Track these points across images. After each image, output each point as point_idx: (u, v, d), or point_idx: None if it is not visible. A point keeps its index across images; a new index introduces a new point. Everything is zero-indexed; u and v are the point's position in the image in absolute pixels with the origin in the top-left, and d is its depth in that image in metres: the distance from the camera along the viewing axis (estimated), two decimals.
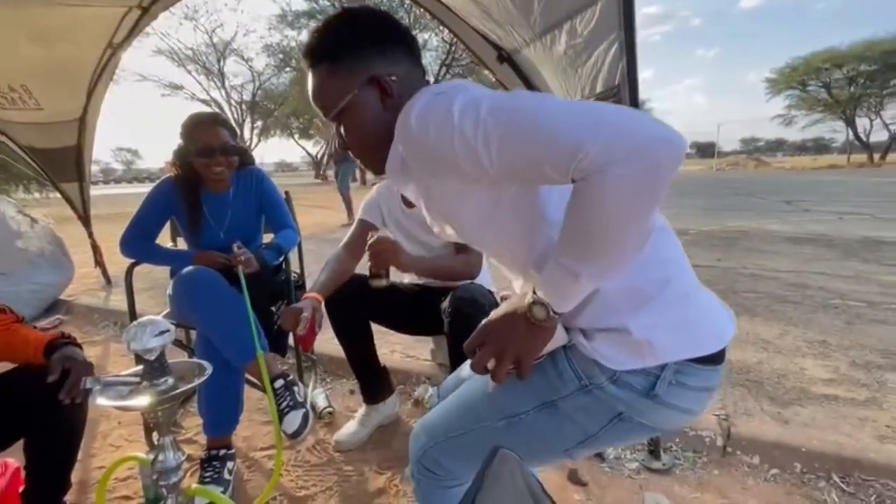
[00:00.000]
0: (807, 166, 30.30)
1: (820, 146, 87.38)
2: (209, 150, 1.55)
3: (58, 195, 3.79)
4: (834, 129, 36.50)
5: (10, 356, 1.08)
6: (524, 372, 0.63)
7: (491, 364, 0.64)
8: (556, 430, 0.71)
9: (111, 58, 2.80)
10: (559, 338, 0.67)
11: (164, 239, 1.74)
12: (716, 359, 0.67)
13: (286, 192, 1.97)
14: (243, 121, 25.00)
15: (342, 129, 0.74)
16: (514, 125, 0.54)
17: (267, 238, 1.85)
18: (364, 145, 0.75)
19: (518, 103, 0.55)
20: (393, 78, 0.70)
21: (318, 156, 32.05)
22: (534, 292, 0.62)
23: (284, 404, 1.28)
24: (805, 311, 2.69)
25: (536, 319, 0.61)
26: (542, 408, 0.70)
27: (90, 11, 2.41)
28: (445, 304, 1.35)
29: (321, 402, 1.82)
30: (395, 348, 2.24)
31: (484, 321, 0.66)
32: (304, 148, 32.45)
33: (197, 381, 0.83)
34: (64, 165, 3.44)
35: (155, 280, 3.64)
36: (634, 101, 1.08)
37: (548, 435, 0.71)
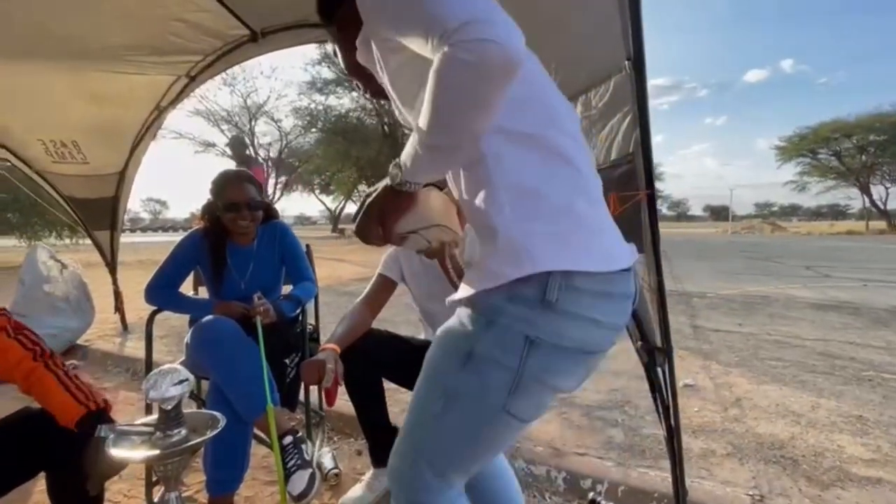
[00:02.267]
0: (824, 231, 30.02)
1: (836, 212, 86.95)
2: (236, 206, 1.63)
3: (88, 241, 3.96)
4: (849, 196, 36.60)
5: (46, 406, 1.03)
6: (387, 235, 0.72)
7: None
8: (485, 384, 0.66)
9: (156, 118, 3.03)
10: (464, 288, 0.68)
11: (186, 288, 1.78)
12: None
13: (307, 246, 2.02)
14: (268, 176, 26.23)
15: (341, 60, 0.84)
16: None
17: (285, 290, 1.88)
18: (356, 67, 0.79)
19: None
20: None
21: (337, 211, 33.11)
22: (391, 172, 0.67)
23: (291, 463, 1.23)
24: (837, 383, 2.55)
25: (392, 181, 0.66)
26: (464, 365, 0.67)
27: (143, 79, 2.65)
28: None
29: (328, 463, 1.75)
30: (406, 408, 2.17)
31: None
32: (323, 203, 33.63)
33: (210, 434, 0.82)
34: (100, 215, 3.62)
35: (171, 328, 3.67)
36: (649, 170, 1.13)
37: (481, 394, 0.67)
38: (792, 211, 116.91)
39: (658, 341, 1.46)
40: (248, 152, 5.74)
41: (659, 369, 1.49)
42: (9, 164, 3.26)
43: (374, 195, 0.71)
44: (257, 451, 1.66)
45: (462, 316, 0.70)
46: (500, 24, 0.52)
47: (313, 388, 1.62)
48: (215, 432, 0.83)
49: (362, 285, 1.65)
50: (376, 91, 0.81)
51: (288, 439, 1.27)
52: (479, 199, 0.67)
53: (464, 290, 0.69)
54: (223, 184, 1.67)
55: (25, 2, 1.87)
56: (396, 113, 0.78)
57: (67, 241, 12.97)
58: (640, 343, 1.52)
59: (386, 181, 0.69)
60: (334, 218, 34.03)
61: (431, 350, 0.75)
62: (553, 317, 0.63)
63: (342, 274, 7.48)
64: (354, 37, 0.73)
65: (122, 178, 3.46)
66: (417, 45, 0.59)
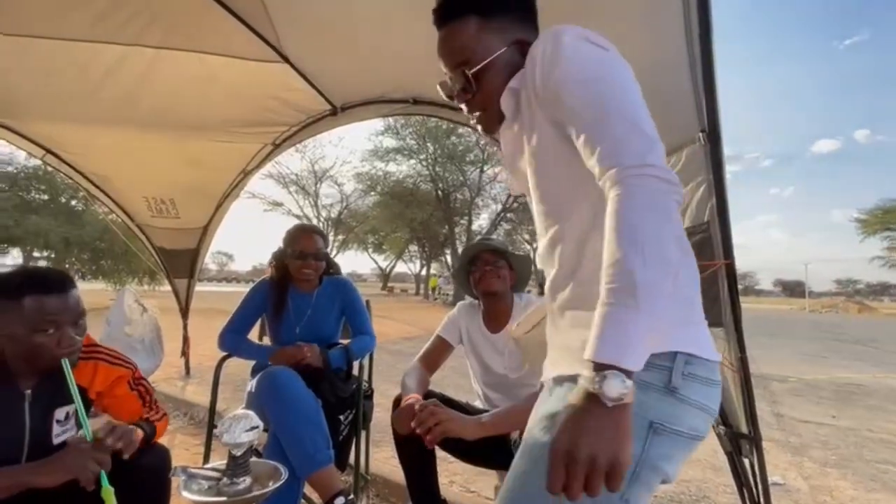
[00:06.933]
0: None
1: None
2: (304, 254, 1.77)
3: (165, 288, 4.31)
4: None
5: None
6: (618, 481, 0.51)
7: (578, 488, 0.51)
8: None
9: (241, 181, 3.39)
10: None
11: (252, 337, 1.87)
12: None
13: (367, 301, 2.08)
14: (328, 234, 27.78)
15: (475, 83, 0.77)
16: (607, 110, 0.62)
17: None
18: (494, 101, 0.77)
19: (619, 99, 0.63)
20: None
21: (387, 269, 34.10)
22: (594, 369, 0.52)
23: None
24: None
25: (611, 397, 0.51)
26: None
27: (234, 146, 3.01)
28: (516, 435, 1.26)
29: None
30: (455, 479, 2.05)
31: (552, 443, 0.54)
32: (375, 261, 34.82)
33: (273, 486, 0.82)
34: (182, 264, 3.98)
35: (227, 375, 3.77)
36: (727, 239, 1.09)
37: None
38: (882, 290, 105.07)
39: (743, 427, 1.31)
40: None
41: (745, 460, 1.33)
42: (113, 216, 3.72)
43: (575, 435, 0.53)
44: None
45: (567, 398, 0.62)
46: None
47: (361, 451, 1.58)
48: (278, 485, 0.82)
49: (410, 344, 1.66)
50: (488, 125, 0.82)
51: (339, 501, 1.23)
52: None
53: (572, 368, 0.66)
54: (296, 234, 1.82)
55: (153, 89, 2.24)
56: (507, 160, 0.83)
57: (146, 286, 14.26)
58: (721, 428, 1.37)
59: (574, 410, 0.54)
60: (385, 276, 34.94)
61: (531, 435, 0.68)
62: (675, 404, 0.64)
63: (390, 331, 7.51)
64: (501, 74, 0.75)
65: (204, 233, 3.83)
66: (580, 134, 0.63)
